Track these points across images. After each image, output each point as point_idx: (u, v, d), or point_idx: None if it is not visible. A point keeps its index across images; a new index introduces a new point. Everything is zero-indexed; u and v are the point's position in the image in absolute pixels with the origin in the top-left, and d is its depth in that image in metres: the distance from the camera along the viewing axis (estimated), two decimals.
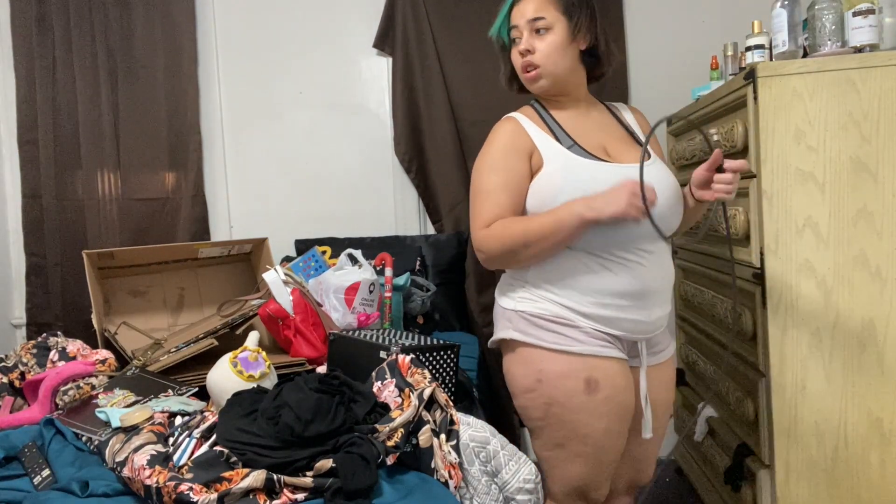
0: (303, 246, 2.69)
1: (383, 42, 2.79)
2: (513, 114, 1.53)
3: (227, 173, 2.88)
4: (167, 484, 1.09)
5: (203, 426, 1.30)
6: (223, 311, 1.98)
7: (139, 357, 1.77)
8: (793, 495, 1.70)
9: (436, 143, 2.74)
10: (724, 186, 1.37)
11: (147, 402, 1.49)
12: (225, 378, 1.45)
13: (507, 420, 2.52)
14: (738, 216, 1.80)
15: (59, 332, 1.92)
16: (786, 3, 1.74)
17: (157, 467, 1.14)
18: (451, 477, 1.24)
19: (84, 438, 1.39)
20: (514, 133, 1.48)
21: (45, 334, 1.88)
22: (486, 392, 2.16)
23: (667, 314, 1.51)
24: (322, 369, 1.68)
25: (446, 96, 2.72)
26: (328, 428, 1.20)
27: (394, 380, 1.40)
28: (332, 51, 2.83)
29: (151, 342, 1.87)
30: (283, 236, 2.74)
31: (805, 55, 1.81)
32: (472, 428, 1.37)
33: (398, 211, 2.87)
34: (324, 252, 2.28)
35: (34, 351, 1.79)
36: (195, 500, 1.07)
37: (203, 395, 1.56)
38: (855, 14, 1.67)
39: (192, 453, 1.22)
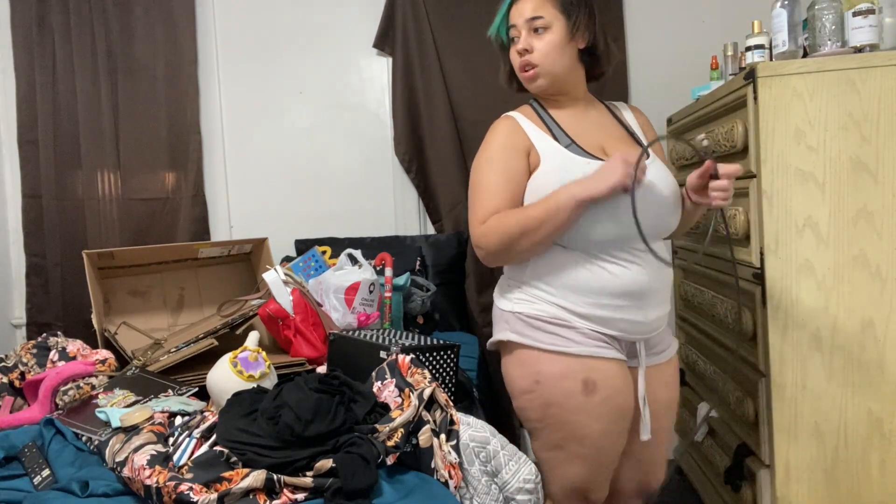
0: (303, 246, 2.69)
1: (383, 42, 2.79)
2: (511, 112, 1.53)
3: (227, 173, 2.88)
4: (167, 484, 1.09)
5: (203, 426, 1.30)
6: (223, 311, 1.98)
7: (139, 357, 1.77)
8: (793, 495, 1.70)
9: (436, 143, 2.74)
10: (721, 194, 1.38)
11: (147, 402, 1.49)
12: (225, 378, 1.45)
13: (507, 420, 2.52)
14: (738, 216, 1.80)
15: (59, 332, 1.92)
16: (786, 3, 1.74)
17: (157, 467, 1.14)
18: (451, 477, 1.24)
19: (84, 438, 1.39)
20: (512, 131, 1.48)
21: (45, 334, 1.88)
22: (486, 392, 2.16)
23: (665, 314, 1.51)
24: (322, 369, 1.68)
25: (446, 96, 2.72)
26: (328, 428, 1.20)
27: (394, 380, 1.40)
28: (332, 51, 2.83)
29: (151, 342, 1.88)
30: (283, 236, 2.74)
31: (805, 55, 1.81)
32: (472, 428, 1.37)
33: (398, 211, 2.87)
34: (324, 252, 2.28)
35: (34, 351, 1.79)
36: (195, 500, 1.07)
37: (203, 395, 1.56)
38: (855, 14, 1.67)
39: (192, 453, 1.22)
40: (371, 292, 2.04)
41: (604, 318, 1.42)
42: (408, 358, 1.45)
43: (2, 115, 2.81)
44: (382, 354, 1.50)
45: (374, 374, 1.44)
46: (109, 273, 2.09)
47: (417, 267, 2.60)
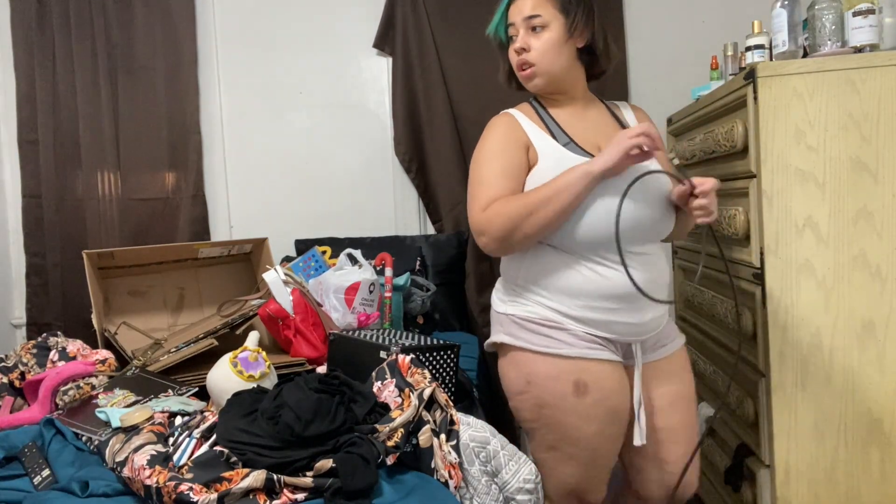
0: (303, 246, 2.69)
1: (383, 42, 2.79)
2: (509, 110, 1.53)
3: (227, 173, 2.88)
4: (167, 484, 1.09)
5: (203, 426, 1.30)
6: (223, 311, 1.98)
7: (139, 357, 1.77)
8: (793, 495, 1.70)
9: (436, 143, 2.74)
10: (703, 212, 1.37)
11: (147, 402, 1.49)
12: (225, 378, 1.45)
13: (507, 420, 2.51)
14: (738, 216, 1.80)
15: (59, 332, 1.92)
16: (786, 3, 1.74)
17: (157, 467, 1.14)
18: (451, 477, 1.24)
19: (84, 438, 1.39)
20: (510, 127, 1.47)
21: (45, 334, 1.87)
22: (486, 392, 2.16)
23: (663, 315, 1.51)
24: (322, 369, 1.68)
25: (446, 96, 2.72)
26: (328, 428, 1.20)
27: (394, 380, 1.40)
28: (332, 51, 2.83)
29: (151, 342, 1.88)
30: (283, 236, 2.74)
31: (805, 55, 1.81)
32: (472, 428, 1.37)
33: (398, 211, 2.87)
34: (324, 252, 2.28)
35: (34, 351, 1.79)
36: (195, 500, 1.07)
37: (203, 395, 1.56)
38: (855, 14, 1.66)
39: (192, 453, 1.22)
40: (371, 292, 2.04)
41: (597, 320, 1.41)
42: (408, 358, 1.45)
43: (2, 115, 2.81)
44: (382, 354, 1.50)
45: (374, 374, 1.44)
46: (109, 273, 2.09)
47: (417, 267, 2.60)
